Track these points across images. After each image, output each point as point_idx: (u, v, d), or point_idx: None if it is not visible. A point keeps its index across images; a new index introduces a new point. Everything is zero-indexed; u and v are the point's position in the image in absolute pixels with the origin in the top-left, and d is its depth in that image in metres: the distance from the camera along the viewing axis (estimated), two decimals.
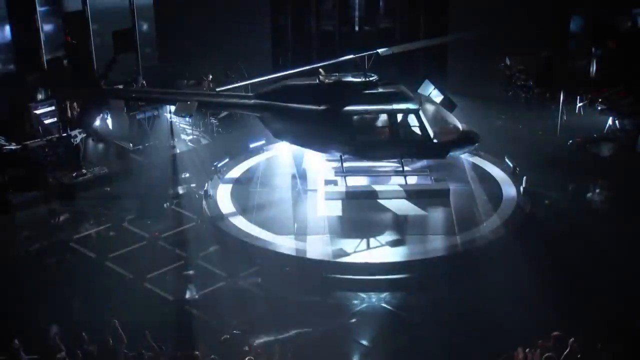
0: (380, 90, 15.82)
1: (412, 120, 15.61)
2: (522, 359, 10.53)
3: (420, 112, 15.56)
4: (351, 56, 15.96)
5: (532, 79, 20.91)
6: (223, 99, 17.13)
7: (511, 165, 17.37)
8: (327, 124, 15.61)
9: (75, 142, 18.17)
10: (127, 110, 19.51)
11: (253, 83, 17.19)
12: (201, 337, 12.08)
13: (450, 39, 17.16)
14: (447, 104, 16.69)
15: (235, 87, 17.25)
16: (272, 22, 23.22)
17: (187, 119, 19.69)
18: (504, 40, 21.03)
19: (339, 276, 14.01)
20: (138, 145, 19.58)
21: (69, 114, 18.55)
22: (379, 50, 15.81)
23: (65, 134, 17.97)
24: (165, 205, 17.03)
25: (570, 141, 19.18)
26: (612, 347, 10.78)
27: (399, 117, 15.62)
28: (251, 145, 18.71)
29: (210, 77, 21.17)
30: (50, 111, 18.86)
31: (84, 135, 18.36)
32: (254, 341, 11.29)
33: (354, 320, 13.08)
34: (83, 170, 17.97)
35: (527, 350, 10.55)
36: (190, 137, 20.39)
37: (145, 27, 21.89)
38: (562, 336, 10.59)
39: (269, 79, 16.82)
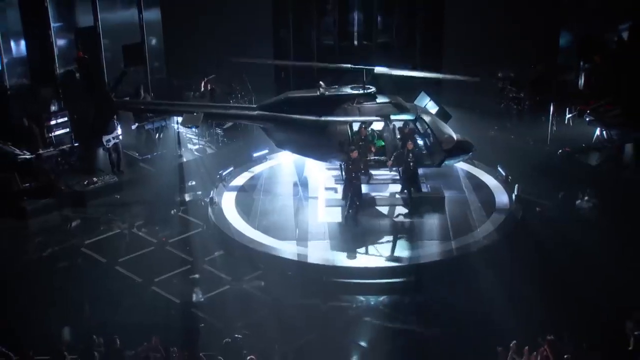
0: (378, 101, 16.13)
1: None
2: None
3: (417, 123, 15.97)
4: (349, 66, 16.17)
5: (524, 92, 20.95)
6: (228, 111, 17.34)
7: (504, 173, 17.51)
8: (327, 134, 15.86)
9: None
10: (135, 121, 19.58)
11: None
12: (206, 338, 12.30)
13: (446, 78, 17.73)
14: (442, 114, 16.88)
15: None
16: (274, 37, 23.31)
17: (193, 129, 19.87)
18: (497, 54, 21.10)
19: (338, 280, 14.21)
20: (146, 154, 19.65)
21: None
22: (376, 69, 15.97)
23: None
24: (172, 212, 17.17)
25: (560, 151, 19.22)
26: (600, 348, 11.01)
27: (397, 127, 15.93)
28: (255, 155, 18.87)
29: (205, 81, 20.86)
30: (63, 122, 19.08)
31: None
32: (254, 345, 11.44)
33: (353, 322, 13.24)
34: (94, 179, 18.14)
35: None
36: (197, 146, 20.40)
37: (154, 41, 21.81)
38: (558, 344, 10.72)
39: None
